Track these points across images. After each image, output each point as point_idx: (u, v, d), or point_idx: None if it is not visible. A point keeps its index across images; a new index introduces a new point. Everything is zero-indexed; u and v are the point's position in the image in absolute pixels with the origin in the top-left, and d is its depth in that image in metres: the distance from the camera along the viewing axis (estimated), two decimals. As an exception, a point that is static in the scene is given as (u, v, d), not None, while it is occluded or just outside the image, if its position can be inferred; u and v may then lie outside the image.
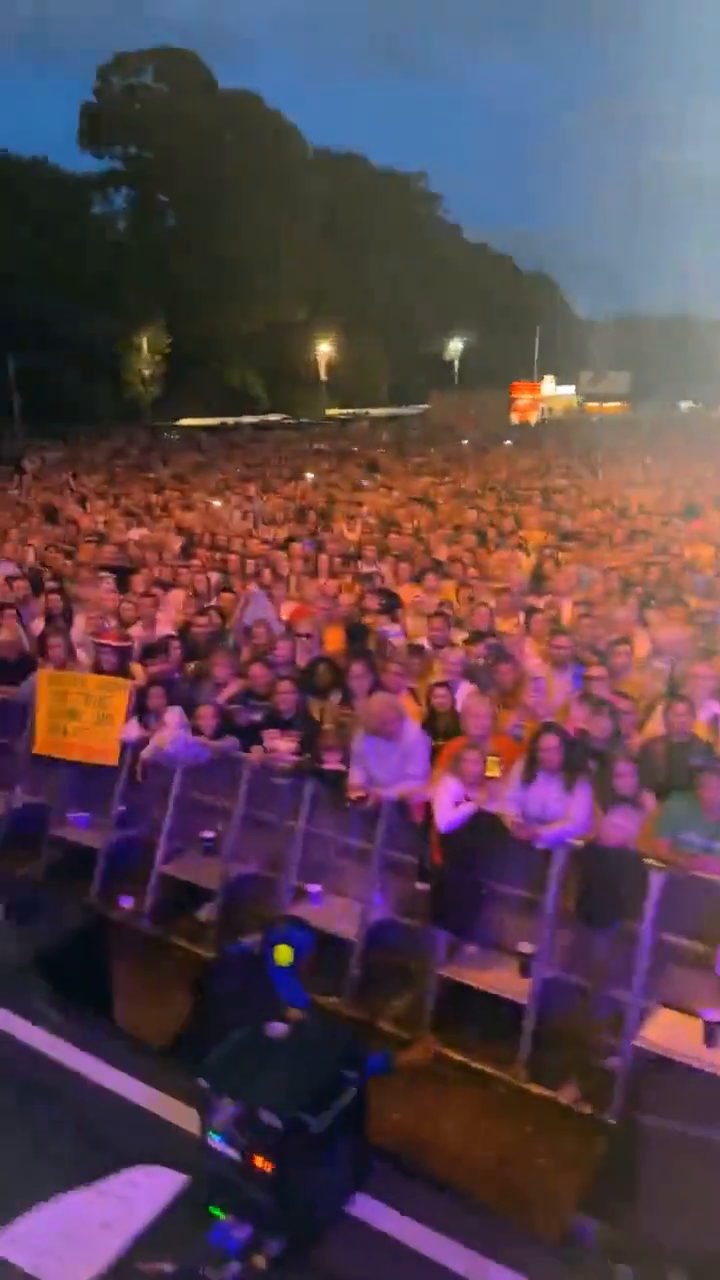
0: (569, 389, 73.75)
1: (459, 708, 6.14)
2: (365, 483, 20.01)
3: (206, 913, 6.48)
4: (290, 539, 12.96)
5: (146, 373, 58.15)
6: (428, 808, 5.50)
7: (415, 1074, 4.09)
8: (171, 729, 6.63)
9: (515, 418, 60.49)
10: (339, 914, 5.86)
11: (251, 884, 6.40)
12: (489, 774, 5.40)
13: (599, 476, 21.73)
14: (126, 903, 6.62)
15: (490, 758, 5.41)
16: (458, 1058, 5.05)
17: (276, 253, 61.52)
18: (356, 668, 6.43)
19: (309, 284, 64.65)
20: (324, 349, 65.48)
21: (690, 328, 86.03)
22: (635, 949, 4.82)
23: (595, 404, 72.04)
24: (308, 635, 7.73)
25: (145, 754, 6.68)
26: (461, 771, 5.40)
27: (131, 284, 56.69)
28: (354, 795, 5.67)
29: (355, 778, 5.79)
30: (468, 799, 5.36)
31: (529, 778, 5.32)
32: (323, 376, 65.69)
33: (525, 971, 5.19)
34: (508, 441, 38.85)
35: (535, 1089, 4.87)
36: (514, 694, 6.31)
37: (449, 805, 5.34)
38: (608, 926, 4.99)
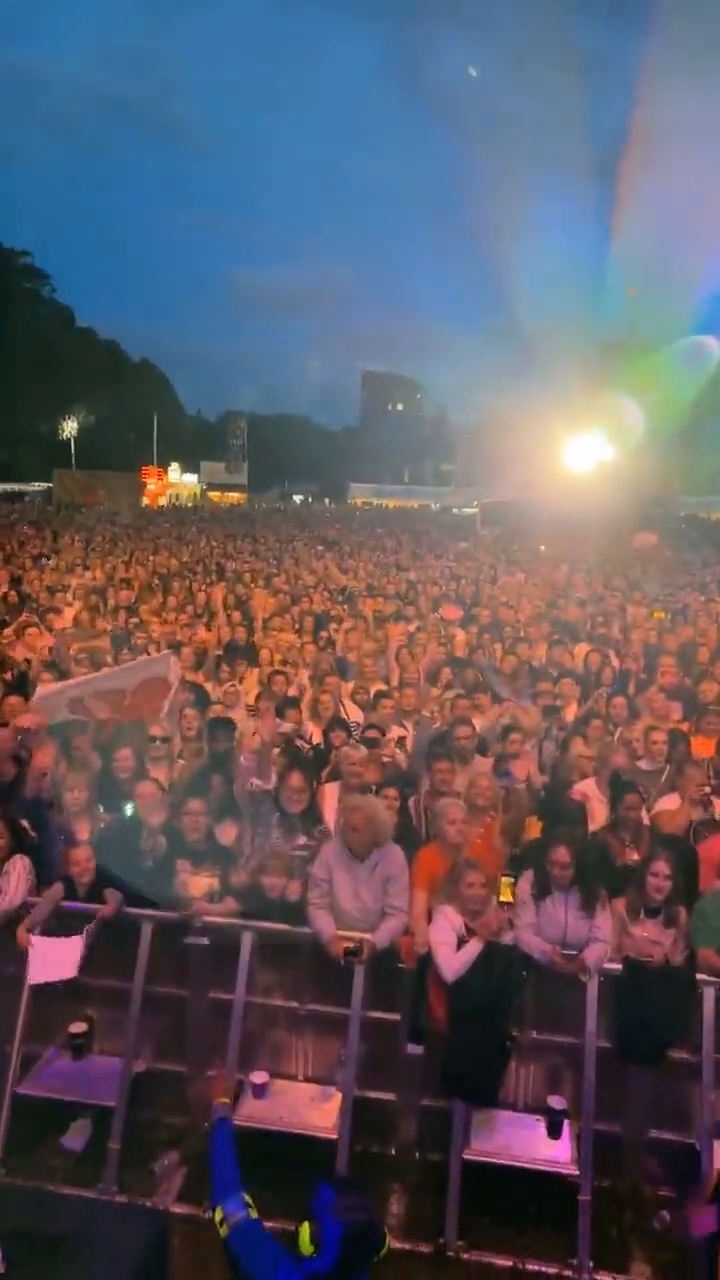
0: (193, 477, 75.02)
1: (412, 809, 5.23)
2: (46, 562, 17.67)
3: (76, 1138, 4.71)
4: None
5: None
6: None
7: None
8: (19, 884, 4.82)
9: (146, 501, 59.60)
10: (304, 1106, 4.54)
11: (145, 1086, 4.75)
12: (503, 898, 4.54)
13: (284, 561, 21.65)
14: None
15: (503, 879, 4.56)
16: (503, 1263, 4.06)
17: None
18: (295, 779, 5.11)
19: None
20: None
21: (294, 427, 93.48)
22: (693, 1082, 4.29)
23: (217, 493, 73.97)
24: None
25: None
26: (460, 896, 4.47)
27: None
28: (339, 948, 4.40)
29: (321, 920, 4.54)
30: (470, 931, 4.45)
31: (540, 897, 4.55)
32: None
33: (555, 1132, 4.38)
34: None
35: (607, 1280, 4.04)
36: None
37: (451, 945, 4.38)
38: (655, 1061, 4.36)
